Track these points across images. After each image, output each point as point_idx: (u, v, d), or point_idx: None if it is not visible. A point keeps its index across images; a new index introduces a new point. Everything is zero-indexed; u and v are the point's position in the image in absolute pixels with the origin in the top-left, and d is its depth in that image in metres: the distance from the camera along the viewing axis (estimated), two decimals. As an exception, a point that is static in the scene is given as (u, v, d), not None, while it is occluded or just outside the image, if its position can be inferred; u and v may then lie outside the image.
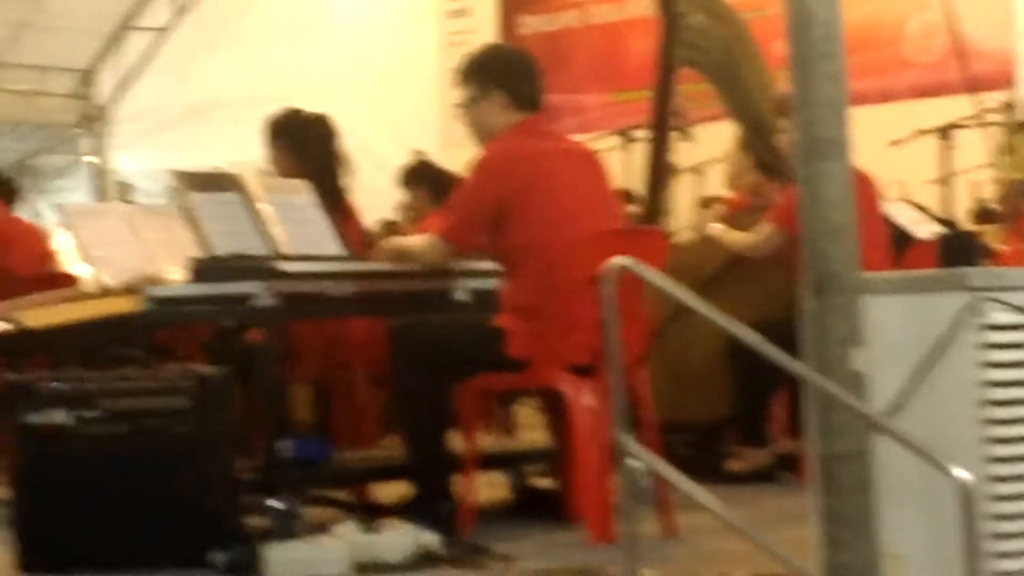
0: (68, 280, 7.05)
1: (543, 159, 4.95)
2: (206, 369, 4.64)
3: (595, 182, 5.06)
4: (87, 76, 18.17)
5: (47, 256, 7.82)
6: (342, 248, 5.44)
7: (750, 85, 6.66)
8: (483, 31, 14.79)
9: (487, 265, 5.18)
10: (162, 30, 17.43)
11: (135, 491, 4.44)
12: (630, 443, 3.61)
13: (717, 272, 6.58)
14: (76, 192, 17.16)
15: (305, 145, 5.88)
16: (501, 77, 5.05)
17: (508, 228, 4.85)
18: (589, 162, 5.15)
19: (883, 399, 3.33)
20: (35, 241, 7.87)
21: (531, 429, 7.52)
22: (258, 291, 4.72)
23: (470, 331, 4.98)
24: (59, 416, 4.45)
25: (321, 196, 5.47)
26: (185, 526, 4.43)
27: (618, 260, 3.85)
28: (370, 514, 5.13)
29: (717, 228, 6.50)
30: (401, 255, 5.11)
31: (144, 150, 17.33)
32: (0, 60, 17.17)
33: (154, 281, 5.48)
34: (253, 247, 5.05)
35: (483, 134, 5.06)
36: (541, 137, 5.04)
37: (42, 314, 5.89)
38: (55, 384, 4.48)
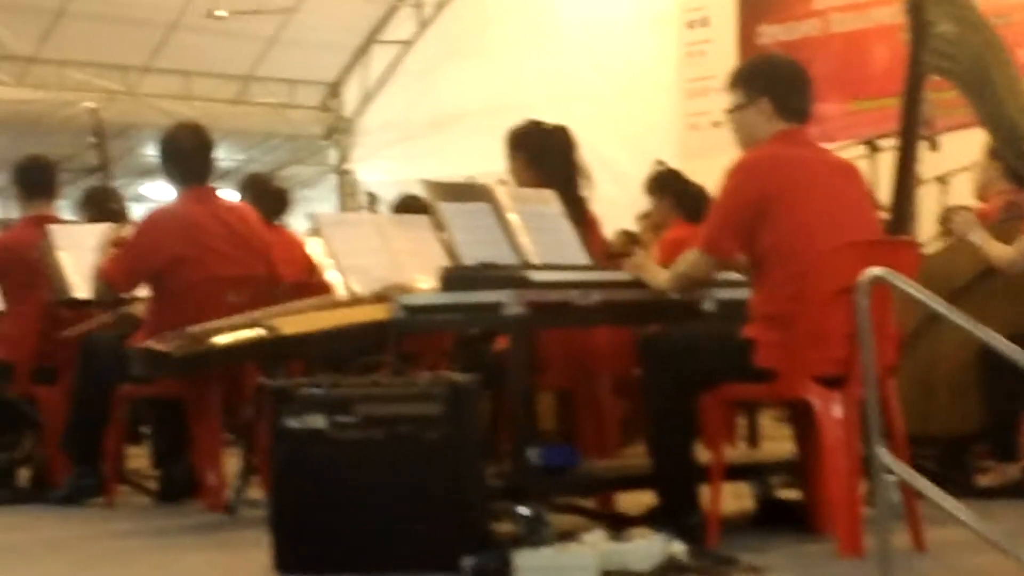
0: (321, 288, 7.23)
1: (800, 167, 4.92)
2: (457, 376, 4.71)
3: (854, 194, 5.01)
4: (334, 89, 18.55)
5: (308, 265, 8.01)
6: (588, 258, 5.49)
7: (1001, 93, 6.53)
8: (722, 41, 14.73)
9: (735, 275, 5.17)
10: (406, 43, 17.71)
11: (388, 495, 4.52)
12: (885, 456, 3.57)
13: (966, 284, 6.47)
14: (323, 202, 17.54)
15: (545, 156, 5.94)
16: (768, 86, 5.02)
17: (761, 234, 4.83)
18: (849, 174, 5.10)
19: None
20: (295, 250, 8.06)
21: (774, 440, 7.48)
22: (507, 300, 4.76)
23: (717, 341, 4.96)
24: (316, 421, 4.56)
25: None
26: (436, 530, 4.49)
27: (873, 270, 3.83)
28: (615, 523, 5.16)
29: (980, 236, 6.34)
30: (669, 282, 5.11)
31: (388, 161, 17.63)
32: (251, 74, 17.66)
33: (404, 290, 5.60)
34: (502, 256, 5.12)
35: (747, 141, 5.05)
36: (802, 147, 5.01)
37: (296, 321, 6.06)
38: (313, 389, 4.59)
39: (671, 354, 4.98)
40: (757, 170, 4.91)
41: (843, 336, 4.65)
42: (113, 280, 6.59)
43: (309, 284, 7.47)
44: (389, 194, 13.93)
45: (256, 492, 6.34)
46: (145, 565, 5.15)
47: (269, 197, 8.27)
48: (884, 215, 6.64)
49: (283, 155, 18.84)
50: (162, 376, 6.21)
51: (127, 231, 6.81)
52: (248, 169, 17.57)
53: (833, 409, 4.71)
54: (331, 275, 7.13)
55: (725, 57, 13.93)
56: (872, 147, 8.07)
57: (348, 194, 18.16)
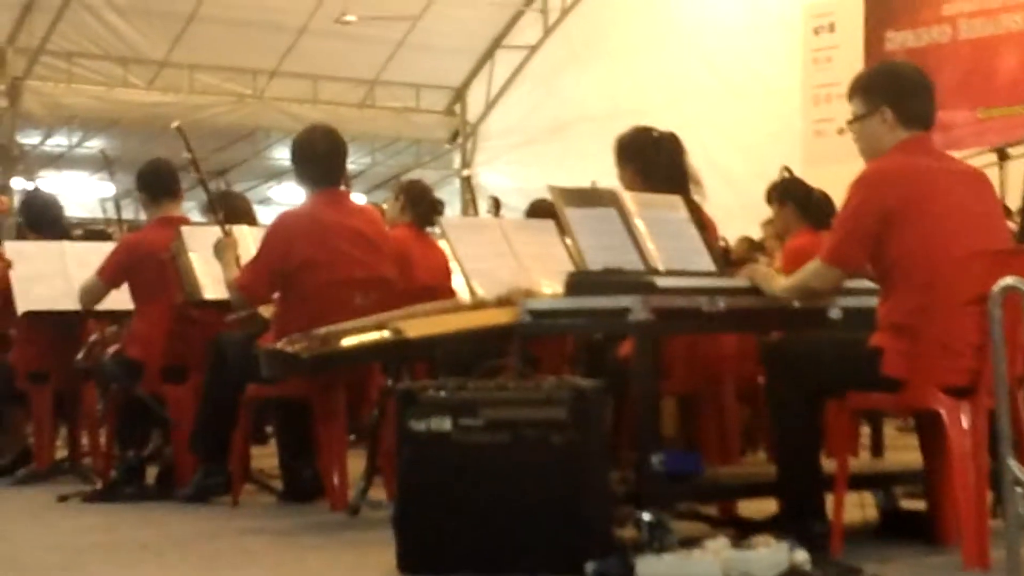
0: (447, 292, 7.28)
1: (926, 176, 4.86)
2: (582, 381, 4.71)
3: (982, 203, 4.93)
4: (459, 93, 18.66)
5: (446, 269, 8.04)
6: (714, 264, 5.47)
7: None
8: (849, 47, 14.64)
9: (861, 283, 5.13)
10: (531, 48, 17.77)
11: (512, 498, 4.53)
12: (1015, 467, 3.54)
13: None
14: (447, 206, 17.64)
15: (654, 164, 5.93)
16: (889, 94, 4.96)
17: (887, 245, 4.78)
18: (977, 182, 5.02)
19: None
20: (439, 257, 8.07)
21: (897, 449, 7.42)
22: (633, 305, 4.76)
23: (844, 349, 4.93)
24: (441, 423, 4.59)
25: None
26: (560, 535, 4.50)
27: (1006, 280, 3.78)
28: (738, 530, 5.15)
29: None
30: (786, 291, 5.06)
31: (510, 165, 17.71)
32: (378, 79, 17.82)
33: (528, 294, 5.62)
34: (628, 262, 5.12)
35: (870, 151, 4.99)
36: (927, 155, 4.94)
37: (421, 324, 6.10)
38: (438, 392, 4.62)
39: (797, 361, 4.96)
40: (882, 182, 4.86)
41: (972, 346, 4.61)
42: (249, 290, 6.65)
43: (442, 288, 7.52)
44: (510, 198, 14.00)
45: (379, 493, 6.38)
46: (270, 563, 5.21)
47: (424, 205, 8.25)
48: (1013, 223, 6.57)
49: (407, 159, 19.02)
50: (290, 377, 6.28)
51: (255, 236, 6.88)
52: (373, 173, 17.79)
53: (961, 419, 4.67)
54: (456, 278, 7.19)
55: (852, 63, 13.86)
56: (1001, 155, 7.97)
57: (471, 198, 18.28)
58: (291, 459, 6.98)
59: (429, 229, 8.35)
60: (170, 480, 7.19)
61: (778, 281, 5.13)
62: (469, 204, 18.19)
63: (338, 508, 6.33)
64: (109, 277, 7.49)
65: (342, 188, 6.97)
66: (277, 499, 6.90)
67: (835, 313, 5.17)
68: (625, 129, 6.14)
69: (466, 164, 18.72)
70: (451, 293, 7.44)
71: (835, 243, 4.95)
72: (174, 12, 16.15)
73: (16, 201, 15.91)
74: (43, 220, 8.68)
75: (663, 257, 5.25)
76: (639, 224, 5.29)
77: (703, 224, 5.75)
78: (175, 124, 7.63)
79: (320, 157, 6.77)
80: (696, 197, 5.94)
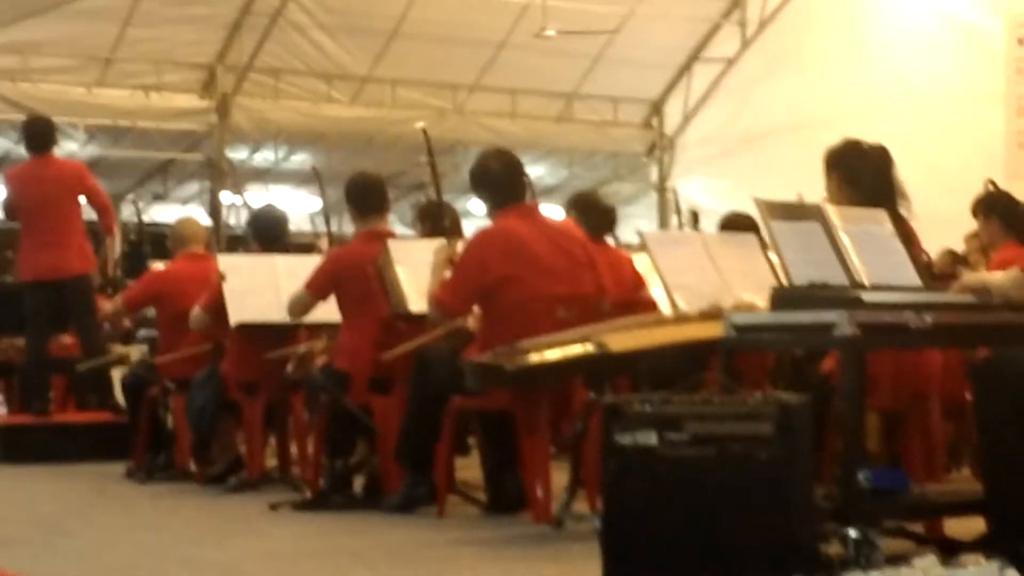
0: (647, 305, 7.30)
1: None
2: (787, 396, 4.71)
3: None
4: (656, 106, 18.67)
5: (634, 282, 8.06)
6: (920, 279, 5.43)
7: None
8: (1051, 58, 14.37)
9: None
10: (729, 60, 17.71)
11: (718, 513, 4.53)
12: None
13: None
14: (643, 219, 17.64)
15: (860, 176, 5.88)
16: None
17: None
18: None
19: None
20: (621, 268, 8.11)
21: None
22: (839, 320, 4.74)
23: (1056, 365, 4.87)
24: (647, 437, 4.61)
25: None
26: (765, 550, 4.49)
27: None
28: (946, 548, 5.10)
29: None
30: (991, 291, 5.01)
31: (706, 178, 17.67)
32: (576, 92, 17.91)
33: (751, 307, 5.63)
34: (832, 276, 5.10)
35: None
36: None
37: (624, 338, 6.14)
38: (644, 406, 4.65)
39: (1007, 378, 4.89)
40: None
41: None
42: (445, 305, 6.76)
43: (635, 301, 7.54)
44: (706, 211, 14.01)
45: (582, 506, 6.42)
46: (479, 574, 5.29)
47: (595, 214, 8.35)
48: None
49: (605, 172, 19.06)
50: (494, 389, 6.36)
51: (459, 249, 6.96)
52: (571, 186, 17.89)
53: None
54: (655, 292, 7.21)
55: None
56: None
57: (676, 210, 18.27)
58: (495, 471, 7.06)
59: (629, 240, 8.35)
60: (377, 490, 7.32)
61: (992, 277, 5.09)
62: (667, 217, 18.21)
63: (542, 520, 6.37)
64: (316, 289, 7.67)
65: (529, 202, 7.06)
66: (481, 510, 6.98)
67: (1047, 330, 5.10)
68: (830, 138, 6.11)
69: (663, 177, 18.71)
70: (640, 304, 7.44)
71: None
72: (377, 29, 16.41)
73: (227, 215, 16.39)
74: (269, 235, 8.93)
75: (868, 272, 5.21)
76: (844, 238, 5.26)
77: (908, 238, 5.71)
78: (419, 125, 7.79)
79: (498, 176, 6.90)
80: (903, 211, 5.89)
